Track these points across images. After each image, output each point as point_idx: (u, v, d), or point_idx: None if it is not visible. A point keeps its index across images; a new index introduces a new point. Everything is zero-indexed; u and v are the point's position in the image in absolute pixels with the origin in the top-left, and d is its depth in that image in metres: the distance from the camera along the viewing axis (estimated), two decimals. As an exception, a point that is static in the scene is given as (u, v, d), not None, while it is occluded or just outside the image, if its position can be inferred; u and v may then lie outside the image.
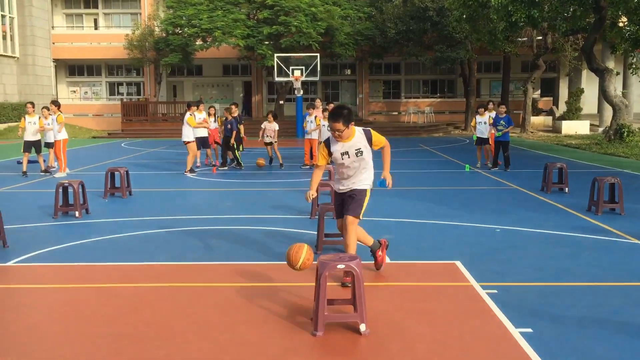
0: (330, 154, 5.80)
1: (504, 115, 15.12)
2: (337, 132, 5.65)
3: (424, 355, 4.34)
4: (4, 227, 7.70)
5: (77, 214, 9.52)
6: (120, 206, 10.70)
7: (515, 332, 4.69)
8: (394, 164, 17.71)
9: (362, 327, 4.73)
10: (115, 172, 11.74)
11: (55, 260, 6.99)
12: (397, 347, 4.49)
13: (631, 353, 4.33)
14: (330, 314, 4.87)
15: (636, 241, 7.67)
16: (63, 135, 14.75)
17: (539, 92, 37.46)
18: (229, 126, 15.95)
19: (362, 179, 5.90)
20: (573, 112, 31.21)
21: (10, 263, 6.90)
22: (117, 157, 20.00)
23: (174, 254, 7.22)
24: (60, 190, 9.67)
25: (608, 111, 27.70)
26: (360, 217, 5.90)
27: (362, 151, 5.77)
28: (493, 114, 15.39)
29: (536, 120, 33.21)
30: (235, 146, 16.12)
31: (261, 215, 9.64)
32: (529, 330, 4.74)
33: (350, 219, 5.79)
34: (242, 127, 16.42)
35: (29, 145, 15.01)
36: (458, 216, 9.39)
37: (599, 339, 4.58)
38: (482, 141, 15.80)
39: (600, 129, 28.71)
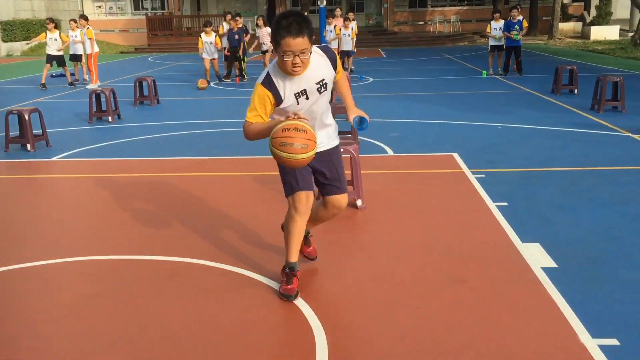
0: (277, 102, 3.40)
1: (517, 19, 15.16)
2: (299, 58, 3.25)
3: (410, 222, 5.06)
4: (47, 130, 8.59)
5: (110, 118, 10.33)
6: (149, 112, 11.48)
7: (492, 205, 5.37)
8: (410, 72, 18.17)
9: (359, 202, 5.45)
10: (143, 82, 12.45)
11: (92, 157, 7.84)
12: (388, 217, 5.22)
13: (591, 221, 4.97)
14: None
15: (628, 134, 8.16)
16: (94, 48, 15.41)
17: (570, -3, 36.32)
18: (235, 37, 15.77)
19: (332, 127, 3.78)
20: (603, 17, 30.47)
21: (54, 159, 7.79)
22: (144, 70, 20.64)
23: (199, 150, 8.01)
24: (94, 97, 10.43)
25: (638, 16, 27.01)
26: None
27: (326, 83, 3.50)
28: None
29: (565, 26, 32.50)
30: (241, 57, 16.16)
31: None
32: (505, 203, 5.41)
33: (346, 197, 3.86)
34: (247, 38, 16.54)
35: (51, 59, 15.70)
36: (464, 117, 9.91)
37: (565, 210, 5.24)
38: (495, 48, 15.93)
39: (630, 34, 28.08)
